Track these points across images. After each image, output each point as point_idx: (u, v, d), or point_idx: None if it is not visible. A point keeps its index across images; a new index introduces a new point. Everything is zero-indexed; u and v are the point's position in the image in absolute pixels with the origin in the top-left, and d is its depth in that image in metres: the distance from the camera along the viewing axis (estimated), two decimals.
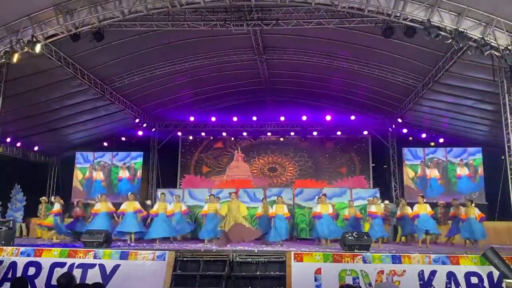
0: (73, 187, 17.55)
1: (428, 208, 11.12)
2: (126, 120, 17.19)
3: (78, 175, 17.71)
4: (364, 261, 7.27)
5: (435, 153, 16.45)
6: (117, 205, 11.54)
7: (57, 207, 12.19)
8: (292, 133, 18.40)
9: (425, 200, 11.49)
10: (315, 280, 7.13)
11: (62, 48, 11.35)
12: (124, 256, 7.72)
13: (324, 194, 11.71)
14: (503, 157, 10.58)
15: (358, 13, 9.80)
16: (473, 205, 11.61)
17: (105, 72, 13.65)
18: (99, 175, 17.50)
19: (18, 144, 16.32)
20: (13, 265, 7.79)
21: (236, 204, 10.89)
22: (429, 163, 16.60)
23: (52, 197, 13.90)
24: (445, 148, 16.29)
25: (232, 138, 18.79)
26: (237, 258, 7.83)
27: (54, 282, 7.41)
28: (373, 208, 11.35)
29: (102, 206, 11.19)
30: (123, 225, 10.81)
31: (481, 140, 16.20)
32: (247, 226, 10.67)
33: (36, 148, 17.42)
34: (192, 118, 18.05)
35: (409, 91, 14.52)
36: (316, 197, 12.54)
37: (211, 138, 18.94)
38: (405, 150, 16.76)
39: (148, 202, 14.41)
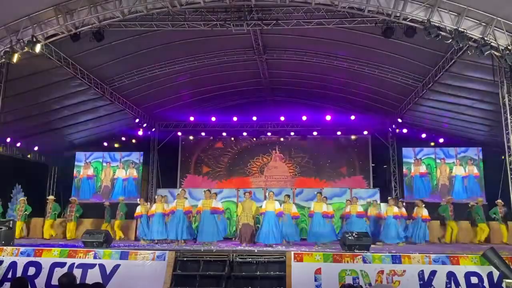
0: (103, 186, 17.18)
1: (395, 210, 11.28)
2: (126, 120, 17.19)
3: (109, 173, 17.33)
4: (364, 261, 7.27)
5: (466, 152, 16.28)
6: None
7: (138, 209, 11.57)
8: (292, 133, 18.40)
9: (394, 203, 11.90)
10: (315, 280, 7.13)
11: (62, 48, 11.34)
12: (124, 256, 7.72)
13: (319, 192, 11.72)
14: (503, 157, 10.58)
15: (358, 13, 9.79)
16: (423, 206, 12.09)
17: (105, 72, 13.64)
18: (132, 173, 17.28)
19: (18, 144, 16.28)
20: (13, 265, 7.79)
21: (249, 204, 10.92)
22: (461, 162, 16.28)
23: (139, 199, 13.08)
24: (477, 148, 16.19)
25: (232, 138, 18.79)
26: (237, 258, 7.82)
27: (54, 282, 7.41)
28: (348, 209, 11.69)
29: (205, 203, 10.54)
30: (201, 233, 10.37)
31: (481, 140, 16.19)
32: (253, 228, 10.67)
33: (36, 148, 17.39)
34: (192, 118, 18.03)
35: (409, 91, 14.52)
36: None
37: (211, 138, 18.94)
38: (437, 150, 16.57)
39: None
